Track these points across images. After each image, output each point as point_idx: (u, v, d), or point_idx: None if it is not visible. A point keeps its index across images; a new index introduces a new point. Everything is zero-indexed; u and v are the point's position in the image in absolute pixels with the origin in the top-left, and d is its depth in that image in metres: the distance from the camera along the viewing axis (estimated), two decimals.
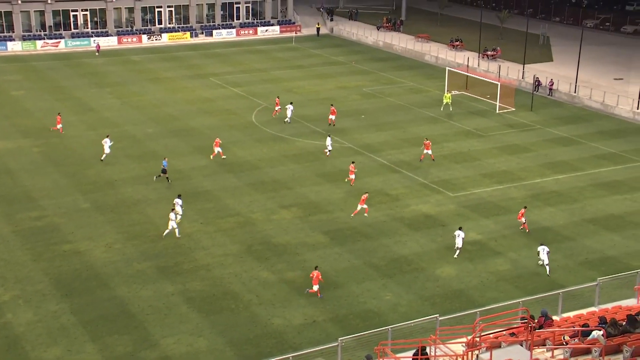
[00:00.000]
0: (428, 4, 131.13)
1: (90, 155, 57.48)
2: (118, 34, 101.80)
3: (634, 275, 33.02)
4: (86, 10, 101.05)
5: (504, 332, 27.11)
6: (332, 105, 67.88)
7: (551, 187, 53.05)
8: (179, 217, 44.93)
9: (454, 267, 41.26)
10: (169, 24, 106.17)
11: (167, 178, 52.10)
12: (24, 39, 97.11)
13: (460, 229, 42.83)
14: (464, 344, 26.03)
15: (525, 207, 46.48)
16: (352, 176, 52.19)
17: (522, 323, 27.27)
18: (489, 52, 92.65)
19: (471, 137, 63.57)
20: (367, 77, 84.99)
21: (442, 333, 28.02)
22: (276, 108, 67.89)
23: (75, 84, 79.49)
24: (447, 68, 79.31)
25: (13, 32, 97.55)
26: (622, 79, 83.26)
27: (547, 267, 40.67)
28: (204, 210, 47.93)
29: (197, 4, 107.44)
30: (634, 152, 60.82)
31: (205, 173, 54.26)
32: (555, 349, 25.50)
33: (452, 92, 74.64)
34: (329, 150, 57.90)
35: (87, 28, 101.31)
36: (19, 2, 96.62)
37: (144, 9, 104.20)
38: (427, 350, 25.84)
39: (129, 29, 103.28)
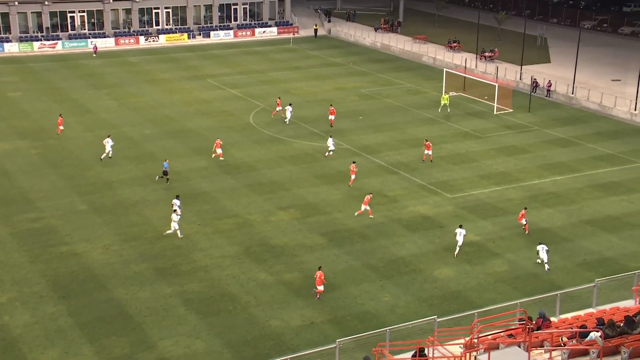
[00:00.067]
0: (426, 5, 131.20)
1: (87, 156, 57.41)
2: (115, 35, 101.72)
3: (632, 277, 33.03)
4: (83, 11, 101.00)
5: (502, 334, 27.07)
6: (331, 105, 67.98)
7: (549, 188, 53.06)
8: (178, 217, 44.87)
9: (451, 269, 41.23)
10: (167, 25, 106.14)
11: (167, 179, 52.08)
12: (21, 40, 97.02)
13: (461, 226, 43.06)
14: (462, 346, 26.00)
15: (525, 208, 46.48)
16: (353, 176, 52.28)
17: (520, 324, 27.25)
18: (486, 54, 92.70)
19: (469, 139, 63.58)
20: (365, 78, 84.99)
21: (440, 334, 28.02)
22: (277, 109, 67.85)
23: (73, 86, 79.41)
24: (444, 69, 79.34)
25: (10, 33, 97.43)
26: (619, 80, 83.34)
27: (547, 265, 40.76)
28: (202, 211, 47.88)
29: (194, 5, 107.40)
30: (632, 153, 60.86)
31: (203, 174, 54.21)
32: (553, 350, 25.47)
33: (450, 93, 74.66)
34: (332, 151, 57.85)
35: (85, 29, 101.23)
36: (16, 3, 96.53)
37: (141, 11, 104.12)
38: (426, 351, 25.80)
39: (126, 30, 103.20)
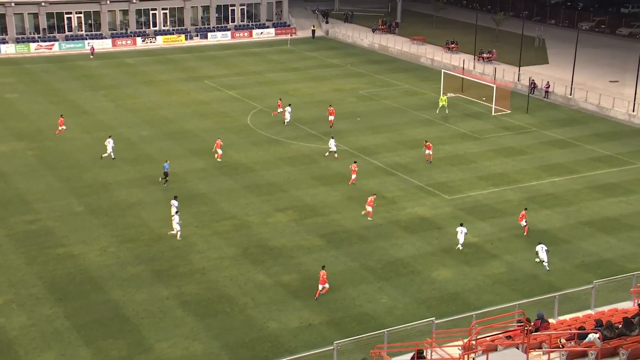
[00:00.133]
0: (423, 6, 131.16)
1: (84, 158, 57.28)
2: (112, 36, 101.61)
3: (630, 278, 32.98)
4: (80, 12, 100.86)
5: (500, 335, 27.01)
6: (330, 105, 68.00)
7: (547, 189, 52.99)
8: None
9: (450, 270, 41.15)
10: (164, 26, 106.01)
11: (165, 180, 51.97)
12: (18, 42, 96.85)
13: (462, 224, 43.11)
14: (460, 347, 25.92)
15: (526, 209, 46.42)
16: (354, 176, 52.31)
17: (518, 326, 27.19)
18: (484, 55, 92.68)
19: (467, 140, 63.50)
20: (363, 79, 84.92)
21: (439, 336, 27.91)
22: (279, 110, 67.72)
23: (70, 87, 79.27)
24: (442, 70, 79.26)
25: (6, 34, 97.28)
26: (617, 81, 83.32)
27: (546, 266, 40.74)
28: (200, 213, 47.76)
29: (191, 7, 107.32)
30: (630, 154, 60.81)
31: (201, 176, 54.09)
32: (552, 352, 25.41)
33: (448, 94, 74.57)
34: (334, 152, 57.74)
35: (82, 31, 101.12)
36: (13, 4, 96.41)
37: (138, 12, 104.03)
38: (424, 353, 25.71)
39: (124, 31, 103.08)
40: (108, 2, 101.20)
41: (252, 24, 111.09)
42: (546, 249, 41.31)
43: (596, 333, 24.84)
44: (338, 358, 27.82)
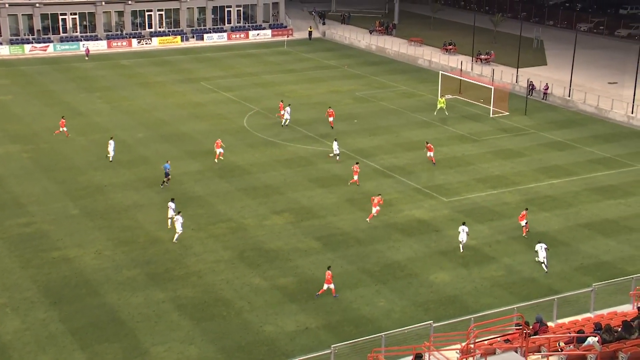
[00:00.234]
0: (421, 7, 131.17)
1: (80, 160, 56.98)
2: (107, 37, 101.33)
3: (629, 281, 32.70)
4: (75, 14, 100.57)
5: (499, 339, 26.80)
6: (329, 107, 67.85)
7: (546, 191, 52.78)
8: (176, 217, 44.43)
9: (447, 273, 40.91)
10: (160, 27, 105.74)
11: (163, 181, 51.68)
12: (12, 43, 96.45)
13: (464, 224, 42.98)
14: (458, 351, 25.71)
15: (526, 209, 46.20)
16: (356, 177, 52.23)
17: (516, 329, 26.97)
18: (482, 56, 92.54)
19: (465, 142, 63.29)
20: (360, 81, 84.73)
21: (436, 339, 27.68)
22: (281, 112, 67.39)
23: (64, 89, 78.99)
24: (440, 72, 79.06)
25: (0, 36, 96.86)
26: (616, 82, 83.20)
27: (546, 263, 40.55)
28: (196, 216, 47.46)
29: (187, 8, 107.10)
30: (629, 156, 60.63)
31: (197, 178, 53.82)
32: (550, 355, 25.25)
33: (446, 96, 74.35)
34: (337, 155, 57.47)
35: (76, 32, 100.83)
36: (7, 5, 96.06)
37: (133, 13, 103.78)
38: (422, 357, 25.49)
39: (119, 32, 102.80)
40: (103, 3, 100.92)
41: (248, 25, 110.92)
42: (546, 247, 41.23)
43: (595, 336, 24.67)
44: None
